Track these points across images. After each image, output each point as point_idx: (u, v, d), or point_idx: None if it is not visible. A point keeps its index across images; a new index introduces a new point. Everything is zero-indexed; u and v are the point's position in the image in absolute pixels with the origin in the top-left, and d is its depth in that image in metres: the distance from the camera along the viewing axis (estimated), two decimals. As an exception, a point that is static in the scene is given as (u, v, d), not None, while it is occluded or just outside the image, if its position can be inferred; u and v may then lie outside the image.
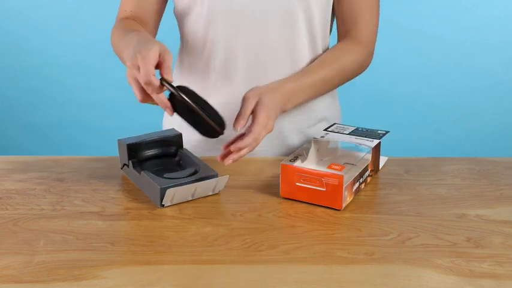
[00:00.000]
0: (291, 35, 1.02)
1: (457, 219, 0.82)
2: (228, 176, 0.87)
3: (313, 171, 0.84)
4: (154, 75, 0.78)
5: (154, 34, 1.10)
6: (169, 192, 0.82)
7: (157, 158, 0.95)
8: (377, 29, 1.07)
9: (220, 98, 1.04)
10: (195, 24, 1.03)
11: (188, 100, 0.80)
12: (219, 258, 0.71)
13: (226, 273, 0.68)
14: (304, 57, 1.04)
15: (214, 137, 0.85)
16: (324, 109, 1.12)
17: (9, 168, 0.99)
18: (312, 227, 0.79)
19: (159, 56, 0.80)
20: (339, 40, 1.09)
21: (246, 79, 1.03)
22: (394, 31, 2.49)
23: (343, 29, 1.07)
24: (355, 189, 0.87)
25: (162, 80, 0.79)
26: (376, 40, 1.08)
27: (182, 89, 0.82)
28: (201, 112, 0.81)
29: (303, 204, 0.86)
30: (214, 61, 1.04)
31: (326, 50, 1.08)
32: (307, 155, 0.89)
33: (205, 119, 0.82)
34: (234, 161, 0.87)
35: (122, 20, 1.05)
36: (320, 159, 0.91)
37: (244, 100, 0.90)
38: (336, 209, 0.84)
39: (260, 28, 1.00)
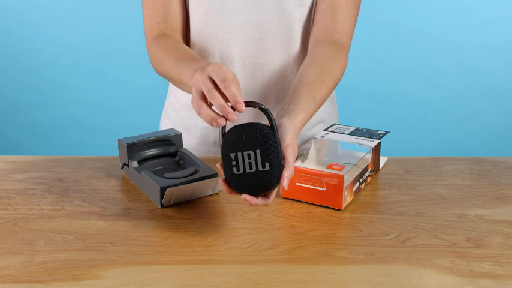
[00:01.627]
0: (287, 38, 1.01)
1: (457, 219, 0.82)
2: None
3: (313, 171, 0.84)
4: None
5: (185, 39, 1.06)
6: (169, 191, 0.82)
7: (157, 157, 0.95)
8: (353, 31, 1.03)
9: None
10: (191, 28, 1.03)
11: (222, 150, 0.73)
12: (219, 258, 0.71)
13: (226, 273, 0.68)
14: (300, 58, 1.04)
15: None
16: (322, 111, 1.12)
17: (9, 168, 0.99)
18: (312, 227, 0.79)
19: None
20: (314, 35, 1.00)
21: (243, 83, 1.03)
22: (394, 31, 2.50)
23: (321, 25, 0.99)
24: (355, 189, 0.87)
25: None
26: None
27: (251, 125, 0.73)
28: (223, 169, 0.73)
29: (303, 204, 0.85)
30: None
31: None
32: (307, 155, 0.89)
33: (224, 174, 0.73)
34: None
35: (163, 39, 0.99)
36: (320, 159, 0.90)
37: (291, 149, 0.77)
38: (336, 209, 0.84)
39: (256, 31, 1.00)
